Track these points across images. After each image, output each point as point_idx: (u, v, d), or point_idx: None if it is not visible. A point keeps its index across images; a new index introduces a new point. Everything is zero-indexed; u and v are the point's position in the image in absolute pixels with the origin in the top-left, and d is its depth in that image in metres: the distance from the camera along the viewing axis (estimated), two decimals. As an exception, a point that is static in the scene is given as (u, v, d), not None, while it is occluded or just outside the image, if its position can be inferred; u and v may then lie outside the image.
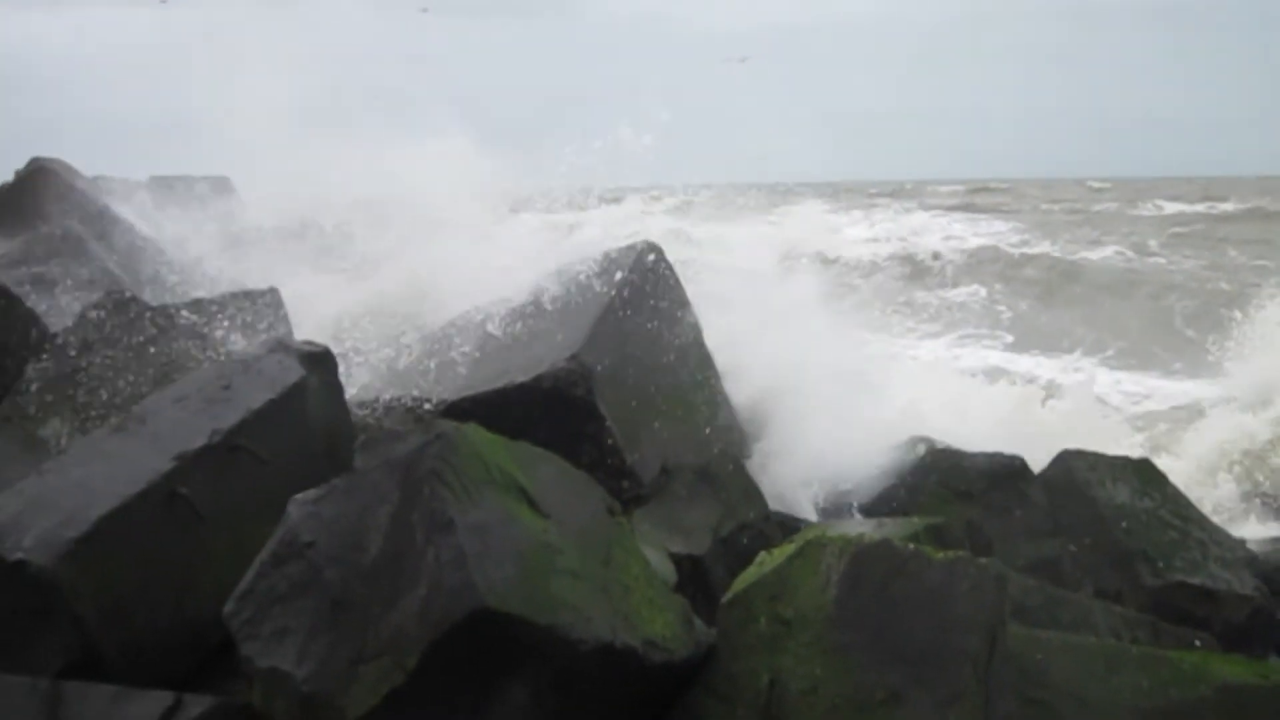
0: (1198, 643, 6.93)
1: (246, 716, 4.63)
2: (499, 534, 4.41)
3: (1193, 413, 14.64)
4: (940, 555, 4.81)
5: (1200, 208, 53.06)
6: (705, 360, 8.00)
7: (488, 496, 4.50)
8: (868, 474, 8.22)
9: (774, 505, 7.83)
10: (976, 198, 64.49)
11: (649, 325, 7.51)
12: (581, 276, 7.91)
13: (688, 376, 7.69)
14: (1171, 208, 53.80)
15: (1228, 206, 53.84)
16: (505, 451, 4.79)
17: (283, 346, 6.23)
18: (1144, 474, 9.15)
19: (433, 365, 7.62)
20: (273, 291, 9.79)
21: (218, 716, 4.64)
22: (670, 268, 8.00)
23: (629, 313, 7.38)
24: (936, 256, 36.41)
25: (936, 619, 4.66)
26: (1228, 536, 9.17)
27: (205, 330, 7.91)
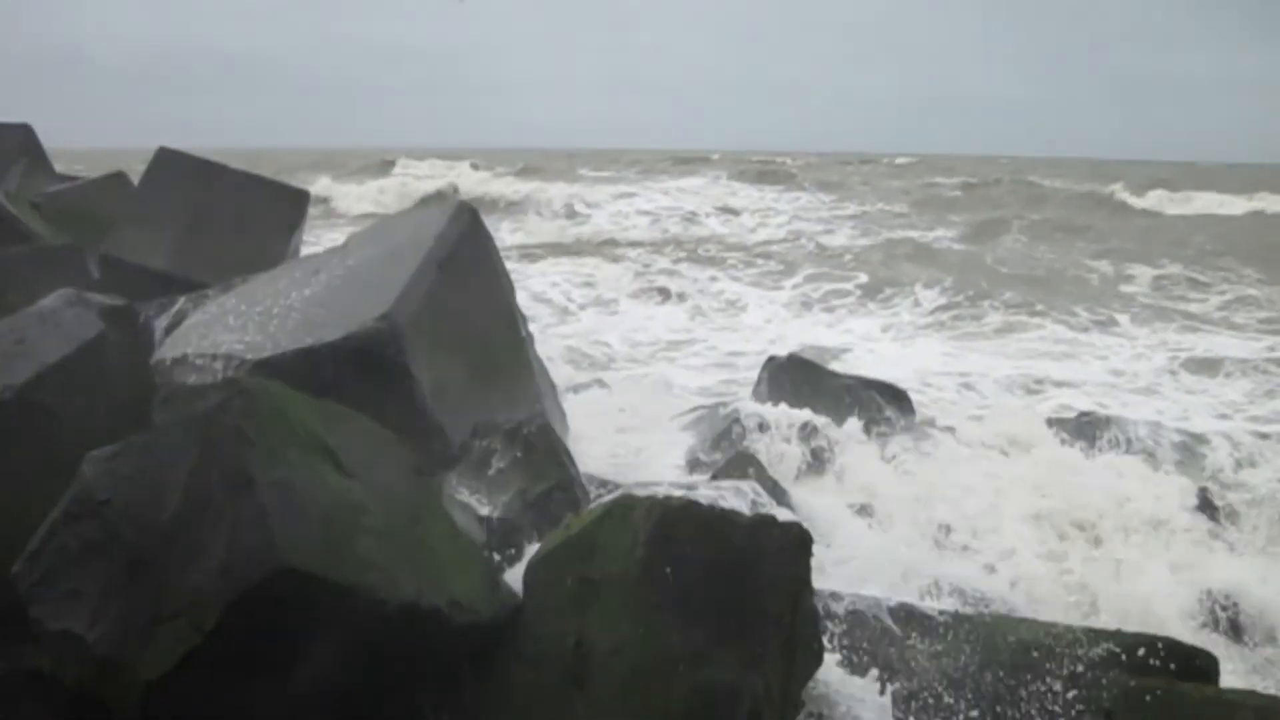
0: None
1: (36, 682, 4.48)
2: (302, 492, 4.32)
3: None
4: (745, 517, 4.86)
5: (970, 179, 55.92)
6: (518, 323, 7.95)
7: (291, 455, 4.40)
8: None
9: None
10: (782, 168, 65.73)
11: (461, 286, 7.42)
12: (393, 236, 7.79)
13: (500, 338, 7.63)
14: (971, 180, 56.08)
15: (1032, 179, 56.32)
16: (310, 409, 4.69)
17: (82, 300, 6.02)
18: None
19: (240, 323, 7.44)
20: (74, 245, 9.48)
21: (3, 683, 4.49)
22: (484, 229, 7.92)
23: (441, 273, 7.27)
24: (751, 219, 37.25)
25: (741, 580, 4.71)
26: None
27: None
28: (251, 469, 4.26)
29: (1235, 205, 45.14)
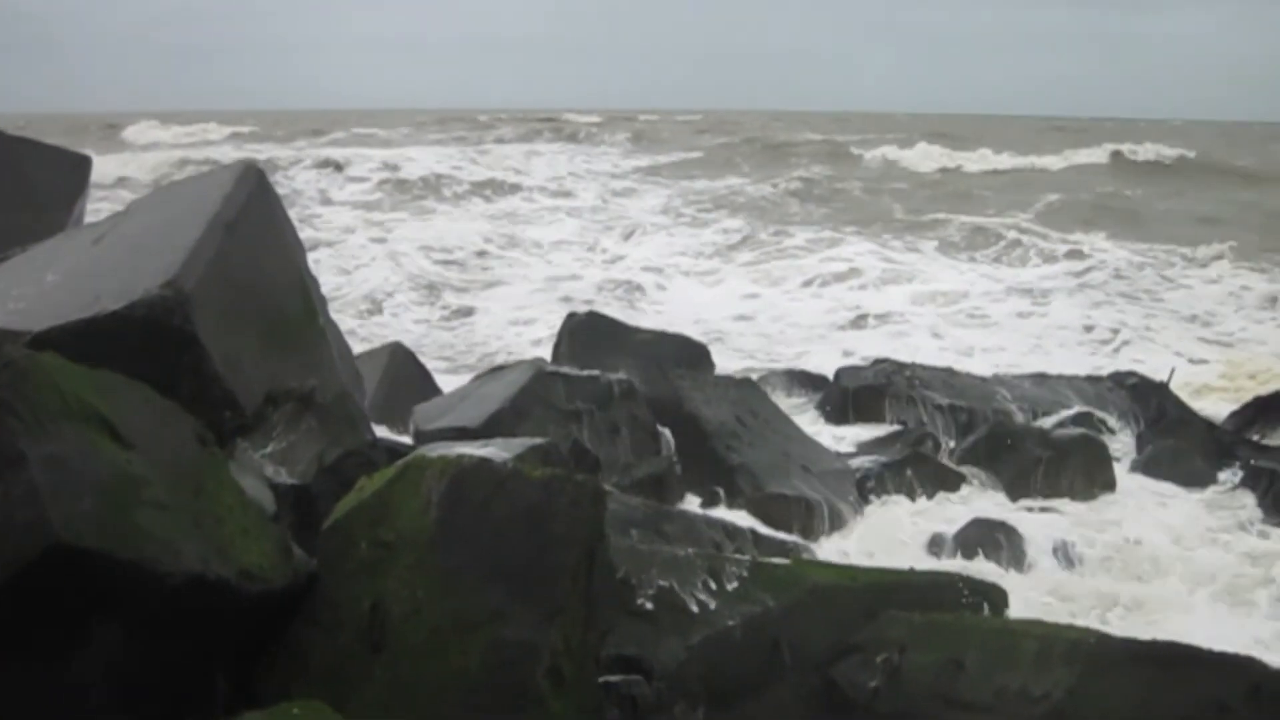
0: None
1: None
2: (76, 467, 4.16)
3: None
4: (538, 473, 4.86)
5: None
6: (309, 286, 7.80)
7: (64, 428, 4.24)
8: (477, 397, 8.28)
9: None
10: (569, 125, 66.36)
11: (250, 249, 7.24)
12: (177, 200, 7.58)
13: (292, 303, 7.47)
14: (754, 135, 57.89)
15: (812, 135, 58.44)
16: (85, 380, 4.53)
17: None
18: (745, 392, 9.56)
19: (18, 295, 7.16)
20: None
21: None
22: (272, 191, 7.75)
23: (229, 236, 7.09)
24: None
25: (535, 536, 4.71)
26: (823, 449, 9.70)
27: None
28: (21, 444, 4.09)
29: (1003, 160, 47.77)
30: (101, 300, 6.63)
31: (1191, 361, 15.84)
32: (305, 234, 8.41)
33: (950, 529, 8.98)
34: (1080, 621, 6.27)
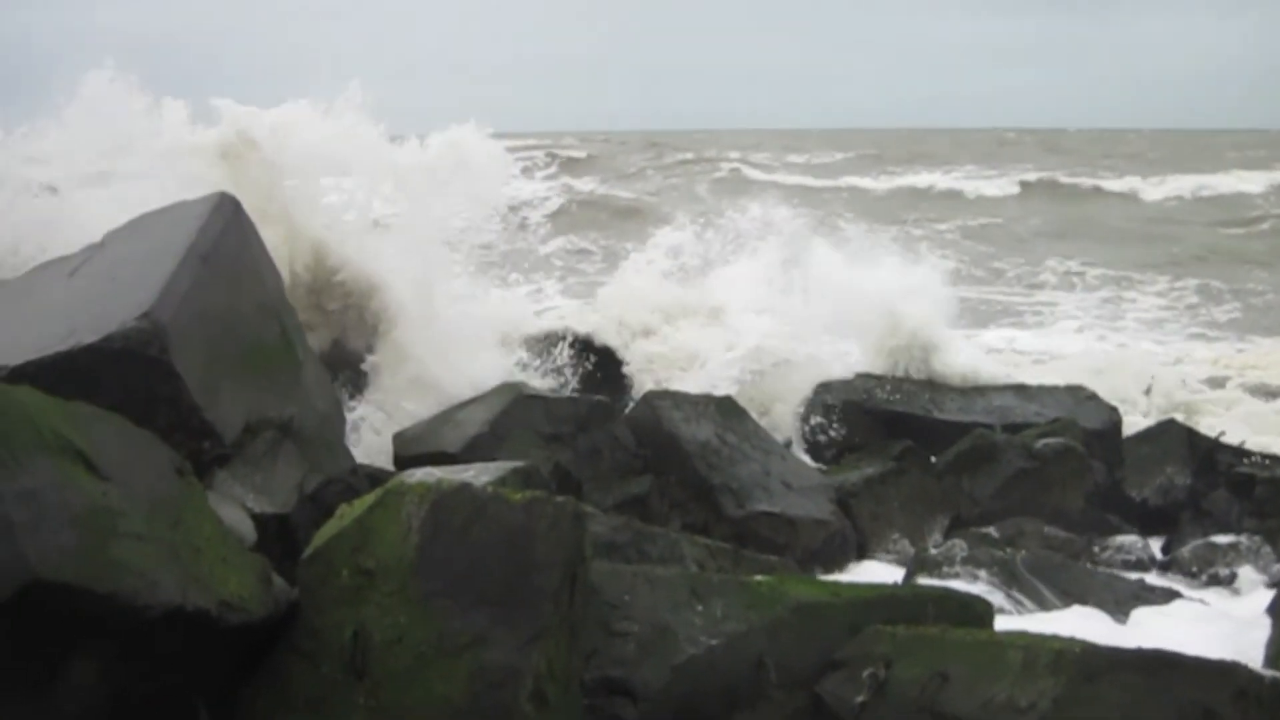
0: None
1: None
2: (52, 500, 4.14)
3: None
4: (518, 496, 4.85)
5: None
6: (287, 315, 7.80)
7: (38, 462, 4.21)
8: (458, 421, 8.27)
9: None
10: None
11: (227, 279, 7.24)
12: (153, 231, 7.56)
13: (270, 332, 7.46)
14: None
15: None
16: (59, 413, 4.50)
17: None
18: (725, 410, 9.56)
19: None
20: None
21: None
22: (248, 220, 7.74)
23: (205, 267, 7.09)
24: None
25: (517, 559, 4.70)
26: (805, 465, 9.70)
27: None
28: (-5, 479, 4.08)
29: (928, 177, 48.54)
30: (78, 333, 6.60)
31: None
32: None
33: (934, 542, 8.98)
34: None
